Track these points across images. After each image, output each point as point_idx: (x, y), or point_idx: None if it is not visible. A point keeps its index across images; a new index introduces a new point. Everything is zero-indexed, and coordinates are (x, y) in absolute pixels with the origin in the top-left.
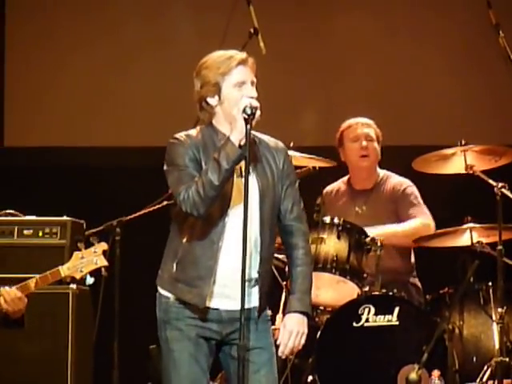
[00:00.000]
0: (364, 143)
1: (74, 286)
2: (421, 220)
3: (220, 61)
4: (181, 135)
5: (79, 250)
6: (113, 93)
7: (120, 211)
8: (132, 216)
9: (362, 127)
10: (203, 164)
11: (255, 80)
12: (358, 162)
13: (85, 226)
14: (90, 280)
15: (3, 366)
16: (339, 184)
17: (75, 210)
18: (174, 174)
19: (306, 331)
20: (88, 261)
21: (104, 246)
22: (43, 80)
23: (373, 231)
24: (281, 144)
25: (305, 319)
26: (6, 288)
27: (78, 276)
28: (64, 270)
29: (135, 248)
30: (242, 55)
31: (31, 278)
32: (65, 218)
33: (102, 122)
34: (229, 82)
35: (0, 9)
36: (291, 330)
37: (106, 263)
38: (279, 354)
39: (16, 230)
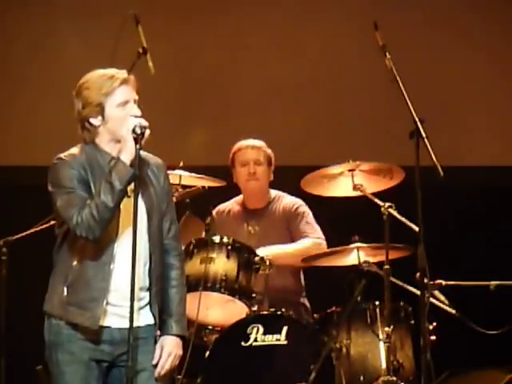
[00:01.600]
0: (252, 169)
1: None
2: (312, 240)
3: (102, 81)
4: (65, 155)
5: None
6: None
7: (6, 231)
8: (18, 235)
9: (252, 151)
10: (91, 184)
11: (137, 98)
12: (247, 185)
13: None
14: None
15: None
16: (232, 204)
17: None
18: (63, 197)
19: (181, 353)
20: None
21: None
22: None
23: (264, 251)
24: (160, 161)
25: (181, 342)
26: None
27: None
28: None
29: (23, 267)
30: (124, 74)
31: None
32: None
33: None
34: (112, 102)
35: None
36: (170, 352)
37: None
38: (155, 374)
39: None
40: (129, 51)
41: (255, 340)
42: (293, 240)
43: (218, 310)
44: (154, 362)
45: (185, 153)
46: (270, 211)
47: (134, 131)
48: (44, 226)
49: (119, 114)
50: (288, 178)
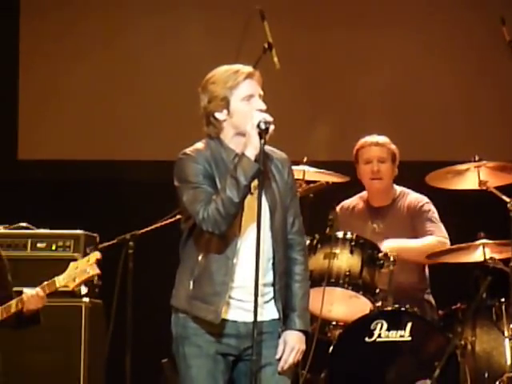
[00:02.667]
0: (375, 167)
1: (86, 299)
2: (437, 237)
3: (227, 75)
4: (190, 150)
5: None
6: (126, 105)
7: (133, 225)
8: (145, 229)
9: (376, 148)
10: (216, 179)
11: (262, 93)
12: (371, 184)
13: (98, 239)
14: (83, 290)
15: (16, 378)
16: (356, 200)
17: (88, 223)
18: (189, 192)
19: (304, 348)
20: (81, 270)
21: (97, 254)
22: (57, 92)
23: (388, 244)
24: (284, 155)
25: (304, 337)
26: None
27: (71, 286)
28: (60, 281)
29: (148, 261)
30: (249, 69)
31: None
32: (78, 231)
33: (115, 136)
34: (237, 96)
35: (14, 21)
36: (293, 348)
37: (97, 271)
38: (278, 369)
39: (29, 242)
40: (254, 47)
41: (379, 336)
42: (417, 237)
43: (342, 306)
44: (278, 357)
45: (309, 148)
46: (394, 209)
47: (258, 126)
48: (170, 221)
49: (244, 108)
50: (412, 172)
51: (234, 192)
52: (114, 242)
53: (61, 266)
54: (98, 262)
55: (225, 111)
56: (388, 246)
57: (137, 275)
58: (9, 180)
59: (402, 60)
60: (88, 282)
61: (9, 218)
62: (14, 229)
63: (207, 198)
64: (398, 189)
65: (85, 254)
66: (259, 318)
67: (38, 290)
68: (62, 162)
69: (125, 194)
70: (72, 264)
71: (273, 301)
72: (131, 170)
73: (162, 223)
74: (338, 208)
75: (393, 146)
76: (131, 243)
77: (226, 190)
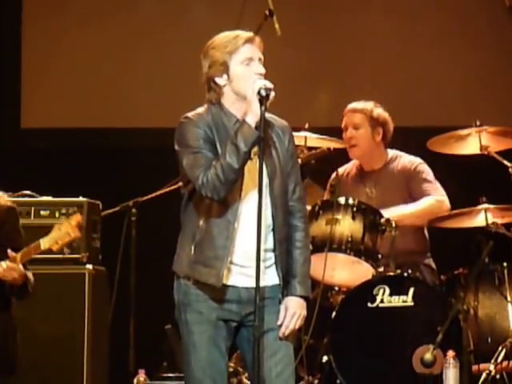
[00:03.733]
0: (348, 134)
1: (90, 266)
2: (435, 197)
3: (227, 40)
4: (192, 115)
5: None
6: (127, 73)
7: (136, 192)
8: (148, 197)
9: (350, 115)
10: (217, 144)
11: (262, 58)
12: (349, 152)
13: (101, 206)
14: (66, 252)
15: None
16: (351, 166)
17: (91, 190)
18: (190, 157)
19: (305, 314)
20: (64, 233)
21: (78, 217)
22: (59, 60)
23: (387, 213)
24: (285, 123)
25: (305, 303)
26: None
27: (55, 248)
28: (44, 243)
29: (151, 228)
30: (249, 33)
31: (48, 257)
32: (81, 198)
33: (117, 103)
34: (236, 60)
35: None
36: (294, 313)
37: (78, 234)
38: (279, 335)
39: (33, 210)
40: (255, 14)
41: (381, 301)
42: (413, 199)
43: (344, 271)
44: (279, 323)
45: (310, 114)
46: (387, 172)
47: (259, 93)
48: (172, 188)
49: (243, 72)
50: (413, 138)
51: (233, 158)
52: (117, 209)
53: None
54: (80, 225)
55: (224, 76)
56: (389, 215)
57: (139, 242)
58: (12, 149)
59: (400, 26)
60: (92, 250)
61: (12, 186)
62: (18, 197)
63: (207, 163)
64: (391, 152)
65: (88, 222)
66: (261, 284)
67: (7, 262)
68: (64, 131)
69: (127, 161)
70: (56, 226)
71: (274, 266)
72: (133, 137)
73: (165, 190)
74: (333, 175)
75: (374, 111)
76: (134, 210)
77: (225, 156)
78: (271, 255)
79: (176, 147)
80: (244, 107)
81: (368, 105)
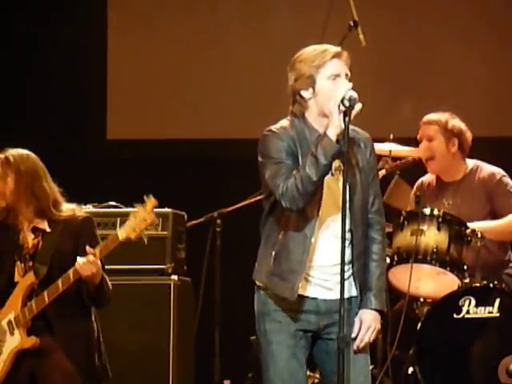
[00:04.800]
0: (423, 146)
1: (175, 277)
2: None
3: (314, 54)
4: (275, 127)
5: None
6: (214, 84)
7: (221, 203)
8: (232, 207)
9: (424, 127)
10: (299, 157)
11: (349, 73)
12: (427, 167)
13: (186, 217)
14: (145, 238)
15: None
16: (431, 176)
17: (177, 201)
18: (272, 168)
19: (379, 327)
20: (140, 219)
21: (152, 201)
22: (145, 72)
23: (472, 226)
24: (367, 135)
25: (379, 317)
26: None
27: (133, 236)
28: (122, 233)
29: (236, 239)
30: (337, 48)
31: (134, 268)
32: (166, 209)
33: (202, 114)
34: (323, 75)
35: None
36: (369, 326)
37: (154, 219)
38: (354, 347)
39: (118, 221)
40: (340, 24)
41: (467, 312)
42: (494, 212)
43: (430, 282)
44: (354, 336)
45: (395, 125)
46: (467, 183)
47: (342, 103)
48: (257, 199)
49: (329, 87)
50: (501, 148)
51: (312, 170)
52: (202, 220)
53: (149, 244)
54: (154, 209)
55: (310, 89)
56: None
57: (224, 253)
58: (99, 159)
59: (487, 38)
60: (177, 261)
61: (99, 197)
62: (104, 207)
63: (288, 173)
64: (471, 162)
65: (174, 233)
66: (338, 296)
67: (88, 256)
68: (149, 142)
69: (212, 171)
70: (132, 213)
71: (351, 278)
72: (218, 148)
73: (249, 201)
74: (415, 185)
75: (449, 122)
76: (219, 221)
77: (305, 167)
78: (348, 267)
79: (259, 159)
80: (326, 122)
81: (443, 116)
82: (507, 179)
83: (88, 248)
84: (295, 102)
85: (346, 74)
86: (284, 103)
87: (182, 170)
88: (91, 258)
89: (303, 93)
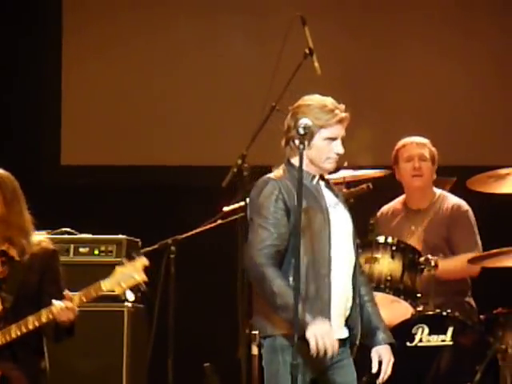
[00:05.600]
0: (417, 164)
1: (129, 304)
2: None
3: (322, 112)
4: (274, 182)
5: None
6: (166, 112)
7: (174, 230)
8: (187, 234)
9: (417, 147)
10: (291, 213)
11: (344, 134)
12: (411, 182)
13: (140, 244)
14: (130, 296)
15: (58, 382)
16: (395, 204)
17: (130, 228)
18: (258, 231)
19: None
20: (128, 276)
21: (144, 260)
22: (98, 99)
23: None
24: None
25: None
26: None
27: (118, 291)
28: (106, 285)
29: (190, 266)
30: (343, 113)
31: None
32: (120, 236)
33: (155, 141)
34: (323, 135)
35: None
36: (389, 360)
37: (144, 278)
38: (379, 381)
39: (72, 247)
40: (295, 51)
41: (420, 340)
42: (450, 244)
43: (383, 310)
44: (374, 371)
45: (349, 154)
46: (433, 211)
47: (297, 131)
48: (211, 226)
49: (324, 148)
50: (452, 177)
51: (283, 310)
52: (156, 246)
53: (103, 271)
54: (145, 269)
55: (306, 142)
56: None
57: (178, 280)
58: (52, 185)
59: (439, 66)
60: (134, 288)
61: (52, 223)
62: (57, 234)
63: (268, 247)
64: (437, 191)
65: (129, 259)
66: (342, 335)
67: (66, 302)
68: (103, 168)
69: (165, 199)
70: (118, 268)
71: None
72: (171, 176)
73: (203, 228)
74: (378, 214)
75: (433, 148)
76: (173, 248)
77: (278, 295)
78: (350, 305)
79: (249, 215)
80: (317, 171)
81: (427, 141)
82: (470, 214)
83: (67, 292)
84: (287, 145)
85: (342, 137)
86: (240, 132)
87: (136, 197)
88: (69, 304)
89: (298, 143)
